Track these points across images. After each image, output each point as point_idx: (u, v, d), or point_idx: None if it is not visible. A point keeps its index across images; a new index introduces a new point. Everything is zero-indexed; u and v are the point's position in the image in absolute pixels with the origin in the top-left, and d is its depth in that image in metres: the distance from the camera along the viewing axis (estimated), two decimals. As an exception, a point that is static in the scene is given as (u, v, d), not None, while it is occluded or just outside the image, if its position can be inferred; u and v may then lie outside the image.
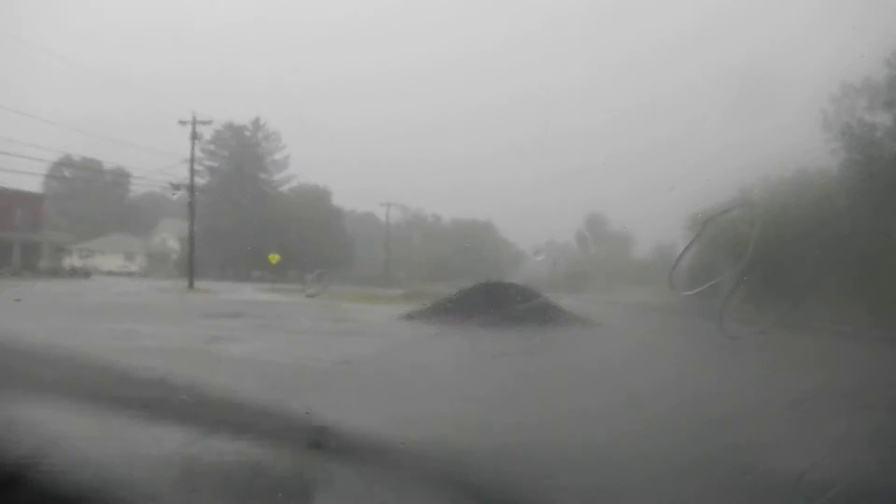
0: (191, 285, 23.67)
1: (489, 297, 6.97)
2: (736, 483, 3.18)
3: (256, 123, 34.59)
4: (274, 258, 25.07)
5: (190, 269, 24.93)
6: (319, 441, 3.85)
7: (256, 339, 9.45)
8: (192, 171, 26.25)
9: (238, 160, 33.95)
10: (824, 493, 3.10)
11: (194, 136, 25.44)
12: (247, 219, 30.30)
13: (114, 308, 12.83)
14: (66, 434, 3.46)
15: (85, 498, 2.81)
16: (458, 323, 6.30)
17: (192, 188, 25.93)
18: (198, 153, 27.79)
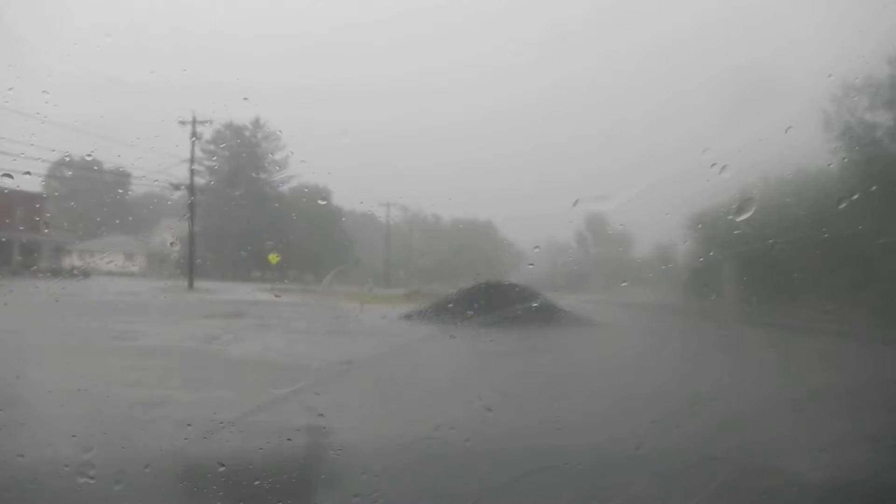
0: (191, 285, 23.65)
1: (489, 297, 6.97)
2: (738, 483, 3.18)
3: (256, 123, 34.57)
4: (273, 258, 25.04)
5: (190, 269, 24.91)
6: (319, 441, 3.85)
7: (256, 339, 9.45)
8: (192, 171, 26.24)
9: (238, 160, 33.95)
10: (824, 493, 3.10)
11: (194, 136, 25.42)
12: (246, 219, 30.28)
13: (114, 308, 12.83)
14: (65, 434, 3.46)
15: (85, 497, 2.80)
16: (458, 323, 6.28)
17: (192, 188, 25.92)
18: (198, 153, 27.80)
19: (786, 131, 4.74)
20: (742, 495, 3.07)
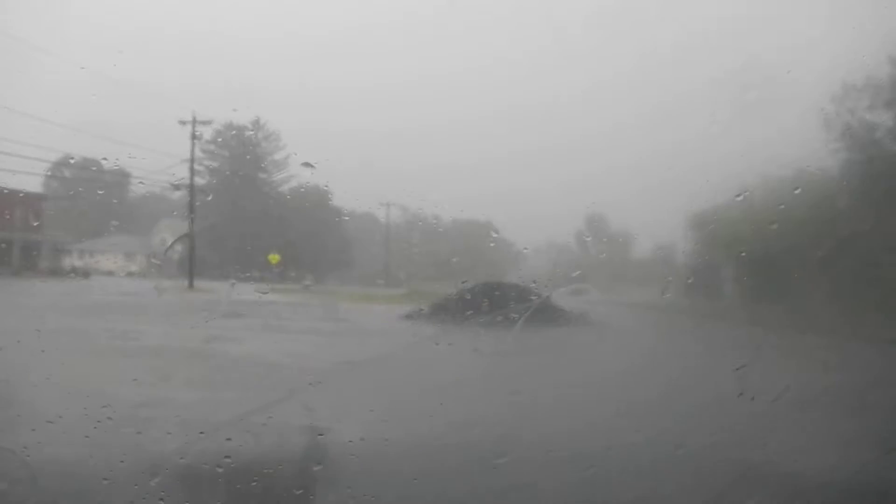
0: (191, 285, 23.62)
1: (489, 297, 6.97)
2: (738, 483, 3.18)
3: (256, 123, 34.54)
4: (274, 258, 25.02)
5: (190, 269, 24.89)
6: (319, 441, 3.85)
7: (256, 339, 9.43)
8: (192, 171, 26.29)
9: (238, 160, 33.94)
10: (825, 493, 3.10)
11: (194, 136, 25.47)
12: (246, 219, 30.30)
13: (114, 308, 12.83)
14: (66, 433, 3.46)
15: (86, 498, 2.81)
16: (458, 323, 6.28)
17: (192, 188, 25.89)
18: (198, 153, 27.81)
19: (786, 131, 4.75)
20: (742, 495, 3.07)
